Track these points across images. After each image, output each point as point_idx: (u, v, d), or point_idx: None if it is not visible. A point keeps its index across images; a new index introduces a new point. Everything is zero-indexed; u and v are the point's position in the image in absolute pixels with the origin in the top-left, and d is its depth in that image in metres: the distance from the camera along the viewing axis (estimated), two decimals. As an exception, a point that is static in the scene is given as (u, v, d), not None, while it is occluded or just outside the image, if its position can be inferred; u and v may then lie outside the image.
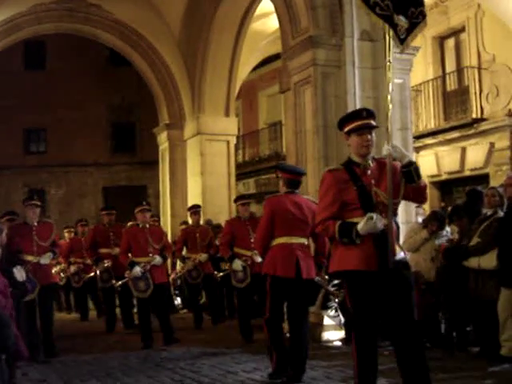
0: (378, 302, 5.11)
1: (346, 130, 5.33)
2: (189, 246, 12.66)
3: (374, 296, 5.08)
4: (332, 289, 8.17)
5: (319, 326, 9.64)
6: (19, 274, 8.35)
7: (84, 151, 28.09)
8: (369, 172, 5.26)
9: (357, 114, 5.39)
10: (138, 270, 9.80)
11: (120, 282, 10.70)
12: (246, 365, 8.07)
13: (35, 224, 9.29)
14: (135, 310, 11.90)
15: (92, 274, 13.51)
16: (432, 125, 18.48)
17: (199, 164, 17.27)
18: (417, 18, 5.44)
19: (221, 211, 16.38)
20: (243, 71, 18.95)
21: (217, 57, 16.83)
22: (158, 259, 10.01)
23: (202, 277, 12.44)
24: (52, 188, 28.88)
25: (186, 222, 15.11)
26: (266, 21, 17.25)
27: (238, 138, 19.36)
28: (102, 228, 12.56)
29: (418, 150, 17.37)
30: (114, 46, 18.94)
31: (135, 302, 11.67)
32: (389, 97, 5.35)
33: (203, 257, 12.40)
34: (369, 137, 5.24)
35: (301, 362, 6.91)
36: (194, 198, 17.04)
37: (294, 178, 7.37)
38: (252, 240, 9.99)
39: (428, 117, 18.66)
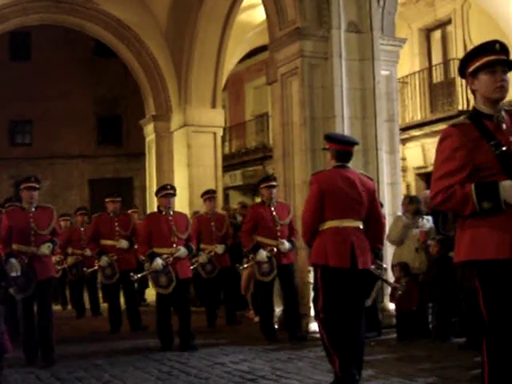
0: None
1: (472, 68, 4.06)
2: (203, 236, 11.18)
3: None
4: (392, 280, 7.42)
5: (306, 316, 9.64)
6: (14, 267, 7.83)
7: (70, 143, 28.03)
8: (504, 126, 4.02)
9: (488, 47, 4.05)
10: (159, 262, 8.64)
11: (139, 275, 9.36)
12: (233, 356, 8.07)
13: (33, 210, 8.16)
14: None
15: (94, 267, 12.27)
16: (418, 117, 18.55)
17: (186, 156, 17.25)
18: None
19: (208, 203, 16.31)
20: (230, 63, 18.94)
21: (203, 48, 16.80)
22: (182, 251, 8.82)
23: (218, 271, 11.14)
24: (38, 180, 28.73)
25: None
26: (253, 12, 17.24)
27: (224, 129, 19.35)
28: (107, 217, 11.13)
29: (404, 141, 17.42)
30: (100, 37, 18.83)
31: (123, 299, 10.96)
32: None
33: (219, 248, 11.09)
34: (503, 76, 3.99)
35: (357, 367, 6.00)
36: (180, 189, 16.97)
37: (345, 148, 6.26)
38: (278, 228, 9.11)
39: (414, 109, 18.73)
